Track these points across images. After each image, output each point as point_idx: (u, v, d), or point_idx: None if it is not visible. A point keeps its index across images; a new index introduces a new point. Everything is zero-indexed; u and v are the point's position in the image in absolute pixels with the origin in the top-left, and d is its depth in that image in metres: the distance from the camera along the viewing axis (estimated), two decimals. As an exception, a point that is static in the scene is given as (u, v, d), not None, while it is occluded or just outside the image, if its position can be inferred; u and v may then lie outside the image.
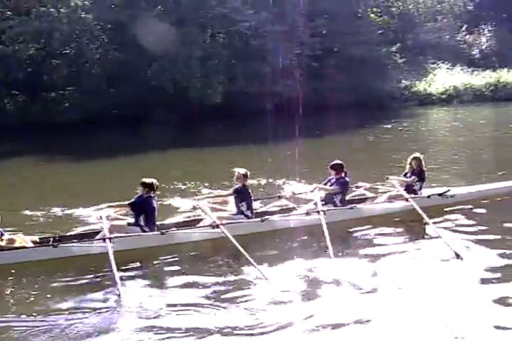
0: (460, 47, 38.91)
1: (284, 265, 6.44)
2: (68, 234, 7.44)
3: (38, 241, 7.07)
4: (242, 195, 7.74)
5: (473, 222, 7.99)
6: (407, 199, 8.26)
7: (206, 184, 10.72)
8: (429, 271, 6.27)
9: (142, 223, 7.12)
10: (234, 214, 7.74)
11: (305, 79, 25.14)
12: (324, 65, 27.24)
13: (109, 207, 7.30)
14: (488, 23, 39.98)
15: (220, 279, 6.05)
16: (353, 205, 8.32)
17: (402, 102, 29.71)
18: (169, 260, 6.76)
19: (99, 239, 6.78)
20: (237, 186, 7.79)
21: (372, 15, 32.76)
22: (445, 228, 7.70)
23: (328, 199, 8.30)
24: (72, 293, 5.79)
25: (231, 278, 6.12)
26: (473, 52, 39.35)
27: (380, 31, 31.32)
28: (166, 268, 6.61)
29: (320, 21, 27.70)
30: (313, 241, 7.29)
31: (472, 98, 31.97)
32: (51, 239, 7.18)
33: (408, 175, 8.97)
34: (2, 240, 6.81)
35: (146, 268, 6.63)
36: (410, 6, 37.24)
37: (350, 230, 7.85)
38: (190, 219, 7.87)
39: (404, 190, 8.62)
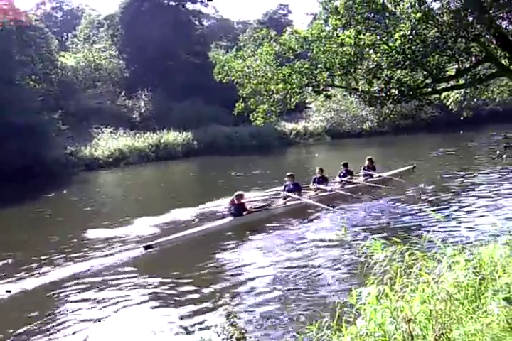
0: (121, 111, 43.94)
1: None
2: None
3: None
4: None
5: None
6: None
7: None
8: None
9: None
10: None
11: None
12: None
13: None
14: (145, 89, 45.80)
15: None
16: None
17: (70, 168, 31.94)
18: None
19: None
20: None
21: (32, 82, 36.20)
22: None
23: None
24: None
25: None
26: (134, 116, 44.39)
27: (40, 98, 33.92)
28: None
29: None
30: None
31: (137, 159, 35.97)
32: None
33: (366, 168, 19.36)
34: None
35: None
36: (69, 73, 42.03)
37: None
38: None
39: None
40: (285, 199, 16.23)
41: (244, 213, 14.69)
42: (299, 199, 16.03)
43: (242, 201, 14.72)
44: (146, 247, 12.12)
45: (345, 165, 18.77)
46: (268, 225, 14.20)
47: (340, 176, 18.59)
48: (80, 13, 66.90)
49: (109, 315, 8.37)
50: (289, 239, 12.51)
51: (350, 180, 18.43)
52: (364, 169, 19.38)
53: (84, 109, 39.87)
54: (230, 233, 13.57)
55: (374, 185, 18.18)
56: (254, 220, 14.66)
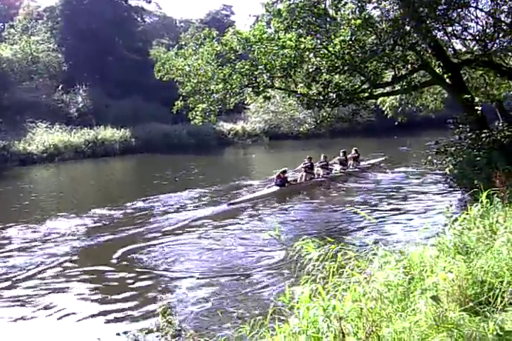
0: (58, 106, 42.45)
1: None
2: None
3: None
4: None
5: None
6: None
7: None
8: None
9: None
10: None
11: None
12: None
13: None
14: (83, 84, 44.31)
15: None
16: None
17: (2, 163, 30.77)
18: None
19: None
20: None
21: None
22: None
23: None
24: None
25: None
26: (71, 111, 42.80)
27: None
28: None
29: None
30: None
31: (73, 155, 35.13)
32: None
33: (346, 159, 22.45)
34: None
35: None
36: (4, 65, 40.50)
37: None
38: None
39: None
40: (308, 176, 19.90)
41: (286, 185, 18.42)
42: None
43: (285, 175, 18.59)
44: (229, 204, 16.08)
45: (344, 152, 22.53)
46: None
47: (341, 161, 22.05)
48: (18, 3, 64.59)
49: (38, 316, 8.11)
50: (225, 236, 12.50)
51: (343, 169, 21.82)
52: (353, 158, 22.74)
53: (19, 102, 38.30)
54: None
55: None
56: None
